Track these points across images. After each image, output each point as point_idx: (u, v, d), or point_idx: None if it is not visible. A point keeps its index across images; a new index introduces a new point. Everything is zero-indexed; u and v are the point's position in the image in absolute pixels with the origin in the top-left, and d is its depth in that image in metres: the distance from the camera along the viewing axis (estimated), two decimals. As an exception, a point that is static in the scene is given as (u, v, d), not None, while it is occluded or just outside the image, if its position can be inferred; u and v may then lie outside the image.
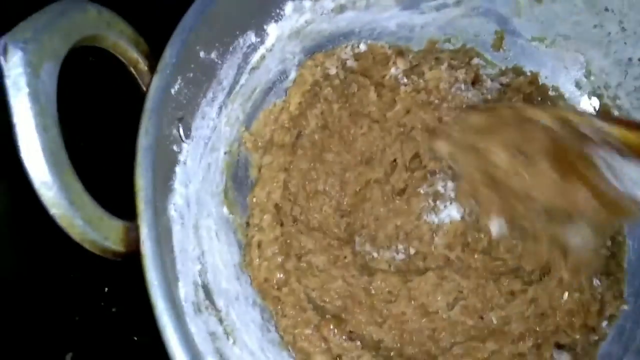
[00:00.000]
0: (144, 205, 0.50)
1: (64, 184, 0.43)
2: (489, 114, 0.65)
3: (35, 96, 0.41)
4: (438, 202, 0.74)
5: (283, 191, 0.72)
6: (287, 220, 0.71)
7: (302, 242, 0.71)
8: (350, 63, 0.81)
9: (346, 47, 0.80)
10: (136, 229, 0.49)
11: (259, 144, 0.74)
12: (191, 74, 0.61)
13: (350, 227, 0.75)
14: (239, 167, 0.72)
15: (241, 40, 0.68)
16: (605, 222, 0.59)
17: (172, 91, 0.58)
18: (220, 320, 0.59)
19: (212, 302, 0.59)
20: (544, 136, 0.58)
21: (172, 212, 0.56)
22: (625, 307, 0.74)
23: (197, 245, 0.60)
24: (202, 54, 0.62)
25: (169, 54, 0.57)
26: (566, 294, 0.66)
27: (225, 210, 0.68)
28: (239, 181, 0.72)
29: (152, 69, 0.57)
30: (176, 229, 0.56)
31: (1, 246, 0.73)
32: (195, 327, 0.52)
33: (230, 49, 0.67)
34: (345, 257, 0.72)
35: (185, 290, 0.53)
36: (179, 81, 0.58)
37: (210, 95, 0.65)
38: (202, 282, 0.58)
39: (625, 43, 0.78)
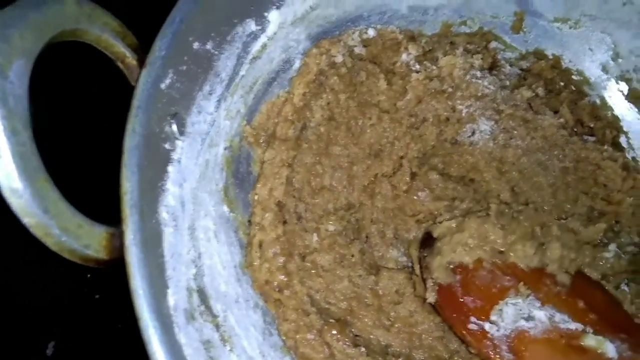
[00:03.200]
0: (129, 209, 0.48)
1: (36, 191, 0.40)
2: None
3: (2, 98, 0.38)
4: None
5: (286, 187, 0.69)
6: (290, 217, 0.68)
7: (307, 241, 0.67)
8: (359, 50, 0.76)
9: (353, 32, 0.76)
10: (121, 235, 0.47)
11: (262, 138, 0.71)
12: (184, 67, 0.57)
13: (358, 223, 0.72)
14: (240, 162, 0.69)
15: (240, 29, 0.64)
16: None
17: (163, 86, 0.55)
18: (217, 327, 0.56)
19: (209, 308, 0.56)
20: None
21: (164, 215, 0.53)
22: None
23: (193, 247, 0.57)
24: (196, 45, 0.59)
25: (159, 46, 0.54)
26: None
27: (225, 208, 0.65)
28: (240, 177, 0.69)
29: (142, 63, 0.54)
30: (167, 232, 0.53)
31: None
32: (186, 337, 0.49)
33: (228, 38, 0.63)
34: (352, 256, 0.68)
35: (176, 298, 0.50)
36: (171, 75, 0.55)
37: (207, 88, 0.62)
38: (198, 286, 0.56)
39: (658, 21, 0.72)
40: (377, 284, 0.67)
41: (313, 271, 0.66)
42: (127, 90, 0.55)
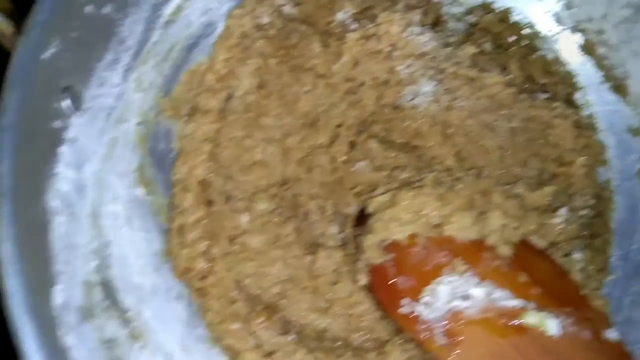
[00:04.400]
0: (1, 198, 0.42)
1: None
2: None
3: None
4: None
5: (212, 165, 0.63)
6: (218, 198, 0.62)
7: (236, 222, 0.62)
8: (289, 9, 0.69)
9: (282, -10, 0.69)
10: (-9, 229, 0.41)
11: (183, 110, 0.64)
12: (76, 34, 0.51)
13: (295, 200, 0.66)
14: (158, 139, 0.63)
15: (146, -10, 0.58)
16: None
17: (46, 56, 0.48)
18: (126, 322, 0.51)
19: (116, 302, 0.51)
20: None
21: (52, 202, 0.47)
22: (611, 277, 0.64)
23: (96, 236, 0.52)
24: (89, 8, 0.52)
25: (38, 10, 0.48)
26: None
27: (140, 191, 0.59)
28: (159, 155, 0.63)
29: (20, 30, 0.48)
30: (58, 222, 0.47)
31: None
32: (78, 338, 0.44)
33: (132, 0, 0.56)
34: (287, 235, 0.63)
35: (66, 295, 0.45)
36: (57, 43, 0.49)
37: (109, 57, 0.55)
38: (102, 279, 0.50)
39: (609, -36, 0.66)
40: (314, 263, 0.62)
41: (242, 254, 0.60)
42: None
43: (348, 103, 0.67)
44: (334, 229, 0.66)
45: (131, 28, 0.57)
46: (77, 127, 0.52)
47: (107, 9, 0.54)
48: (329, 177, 0.67)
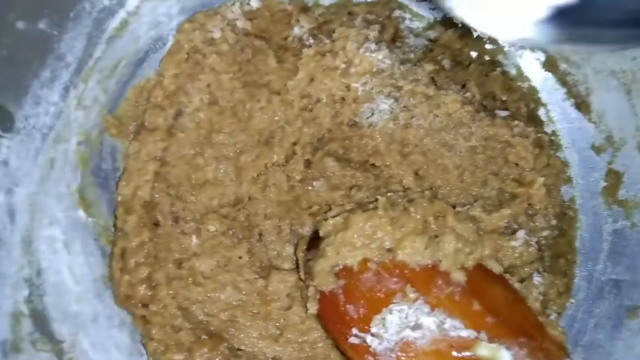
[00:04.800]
0: None
1: None
2: None
3: None
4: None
5: (159, 185, 0.60)
6: (165, 219, 0.60)
7: (184, 245, 0.59)
8: (242, 24, 0.67)
9: (233, 4, 0.67)
10: None
11: (129, 128, 0.62)
12: (5, 51, 0.48)
13: (248, 220, 0.64)
14: (102, 158, 0.60)
15: (87, 4, 0.55)
16: None
17: (-32, 75, 0.45)
18: (60, 354, 0.48)
19: (48, 333, 0.48)
20: None
21: (-24, 230, 0.44)
22: (572, 301, 0.63)
23: (28, 263, 0.49)
24: (20, 24, 0.50)
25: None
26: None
27: (81, 213, 0.56)
28: (103, 176, 0.60)
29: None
30: (-19, 251, 0.44)
31: None
32: (-2, 377, 0.40)
33: (72, 15, 0.54)
34: (239, 258, 0.60)
35: (-13, 330, 0.42)
36: (-18, 61, 0.46)
37: (46, 74, 0.53)
38: (33, 309, 0.47)
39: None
40: (267, 288, 0.59)
41: (190, 279, 0.58)
42: None
43: (304, 120, 0.65)
44: (290, 250, 0.64)
45: (70, 44, 0.55)
46: (8, 149, 0.49)
47: (42, 25, 0.51)
48: (285, 196, 0.65)
